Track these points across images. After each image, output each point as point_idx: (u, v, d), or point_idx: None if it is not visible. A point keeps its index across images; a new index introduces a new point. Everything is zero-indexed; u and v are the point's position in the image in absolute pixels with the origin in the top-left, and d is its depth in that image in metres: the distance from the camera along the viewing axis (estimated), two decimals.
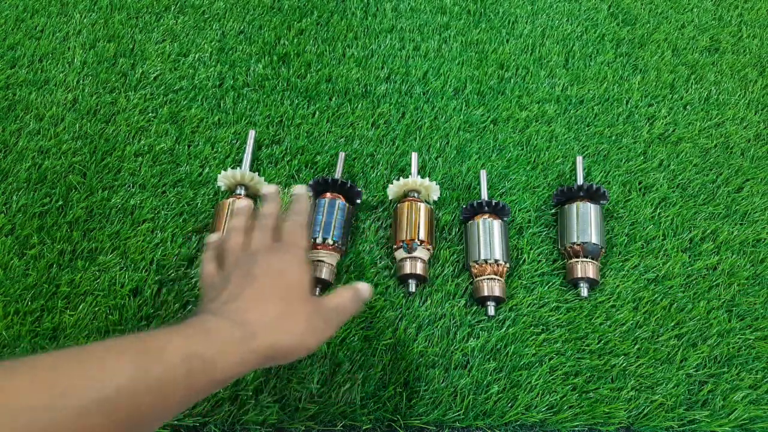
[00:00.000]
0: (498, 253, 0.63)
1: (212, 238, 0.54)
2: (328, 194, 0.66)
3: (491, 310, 0.61)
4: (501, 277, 0.62)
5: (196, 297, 0.62)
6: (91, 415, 0.29)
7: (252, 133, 0.71)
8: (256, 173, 0.66)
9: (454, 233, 0.68)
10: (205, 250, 0.53)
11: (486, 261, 0.62)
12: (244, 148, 0.71)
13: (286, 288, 0.42)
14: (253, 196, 0.68)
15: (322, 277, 0.61)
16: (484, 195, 0.69)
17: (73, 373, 0.30)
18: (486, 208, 0.66)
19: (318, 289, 0.62)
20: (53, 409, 0.28)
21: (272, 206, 0.52)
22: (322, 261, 0.62)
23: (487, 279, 0.61)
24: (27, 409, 0.27)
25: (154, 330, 0.37)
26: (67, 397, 0.29)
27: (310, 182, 0.67)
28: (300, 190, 0.53)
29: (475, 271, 0.63)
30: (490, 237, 0.63)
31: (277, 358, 0.40)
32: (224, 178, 0.66)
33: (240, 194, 0.66)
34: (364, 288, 0.48)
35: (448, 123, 0.78)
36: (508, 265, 0.63)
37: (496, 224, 0.64)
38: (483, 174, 0.71)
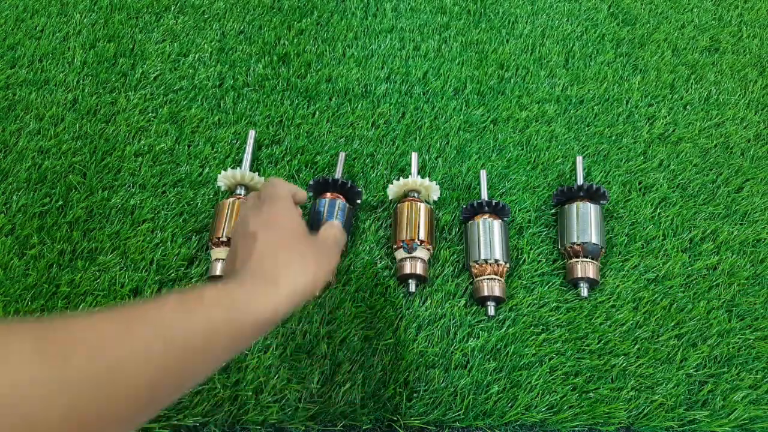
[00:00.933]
0: (498, 253, 0.63)
1: None
2: (329, 194, 0.66)
3: (491, 310, 0.61)
4: (501, 277, 0.62)
5: None
6: (152, 346, 0.31)
7: (252, 133, 0.71)
8: (256, 173, 0.66)
9: (454, 233, 0.68)
10: None
11: (486, 261, 0.62)
12: (244, 148, 0.71)
13: (286, 235, 0.45)
14: None
15: None
16: (484, 195, 0.69)
17: (131, 314, 0.32)
18: (486, 208, 0.66)
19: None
20: (120, 341, 0.29)
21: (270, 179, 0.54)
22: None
23: (487, 279, 0.61)
24: (96, 339, 0.29)
25: (188, 288, 0.39)
26: (131, 332, 0.30)
27: (311, 182, 0.67)
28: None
29: (475, 271, 0.63)
30: (490, 237, 0.63)
31: (303, 296, 0.42)
32: (224, 178, 0.66)
33: (240, 194, 0.66)
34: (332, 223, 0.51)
35: (448, 123, 0.78)
36: (508, 265, 0.63)
37: (497, 224, 0.64)
38: (483, 174, 0.71)
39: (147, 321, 0.32)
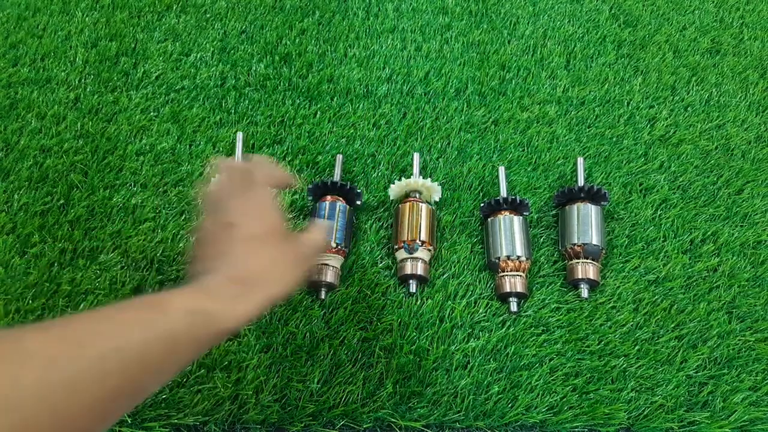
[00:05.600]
0: (520, 250, 0.63)
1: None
2: (329, 197, 0.66)
3: (514, 307, 0.62)
4: (523, 273, 0.62)
5: None
6: (108, 361, 0.30)
7: (240, 136, 0.69)
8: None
9: (456, 233, 0.68)
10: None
11: (509, 257, 0.63)
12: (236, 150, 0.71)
13: (268, 232, 0.42)
14: None
15: (328, 280, 0.61)
16: (503, 192, 0.69)
17: (86, 327, 0.31)
18: (505, 204, 0.66)
19: (323, 291, 0.62)
20: (74, 358, 0.29)
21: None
22: (327, 264, 0.62)
23: (509, 275, 0.62)
24: (48, 358, 0.28)
25: (156, 293, 0.38)
26: (85, 347, 0.30)
27: (309, 186, 0.67)
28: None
29: (498, 267, 0.63)
30: (511, 233, 0.64)
31: (274, 303, 0.41)
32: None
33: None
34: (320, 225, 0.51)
35: (449, 123, 0.78)
36: (530, 261, 0.64)
37: (516, 220, 0.65)
38: (502, 170, 0.70)
39: (102, 336, 0.31)
